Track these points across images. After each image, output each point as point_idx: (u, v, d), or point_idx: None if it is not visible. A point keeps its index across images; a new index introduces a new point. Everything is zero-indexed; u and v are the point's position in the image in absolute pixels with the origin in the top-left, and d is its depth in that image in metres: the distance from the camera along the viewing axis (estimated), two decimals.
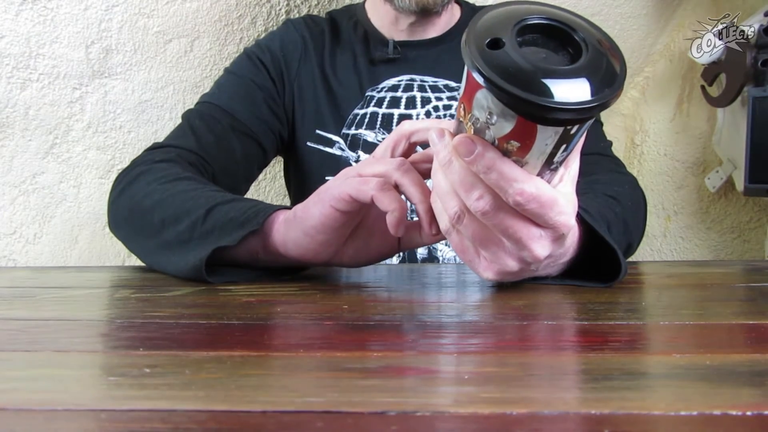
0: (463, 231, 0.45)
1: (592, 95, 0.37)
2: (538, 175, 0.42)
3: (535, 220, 0.43)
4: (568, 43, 0.40)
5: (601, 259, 0.51)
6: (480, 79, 0.37)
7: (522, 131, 0.39)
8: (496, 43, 0.38)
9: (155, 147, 0.76)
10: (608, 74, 0.38)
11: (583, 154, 0.47)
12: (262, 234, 0.55)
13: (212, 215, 0.57)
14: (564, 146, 0.40)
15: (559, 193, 0.43)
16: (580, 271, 0.52)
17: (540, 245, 0.44)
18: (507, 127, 0.39)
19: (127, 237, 0.67)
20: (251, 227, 0.54)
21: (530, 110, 0.37)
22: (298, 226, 0.53)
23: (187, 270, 0.56)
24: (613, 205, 0.64)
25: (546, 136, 0.39)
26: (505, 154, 0.40)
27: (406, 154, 0.54)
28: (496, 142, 0.40)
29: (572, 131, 0.39)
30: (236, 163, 0.81)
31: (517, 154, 0.40)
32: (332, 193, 0.51)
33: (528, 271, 0.48)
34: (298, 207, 0.55)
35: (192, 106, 0.84)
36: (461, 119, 0.42)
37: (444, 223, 0.46)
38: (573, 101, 0.36)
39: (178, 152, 0.74)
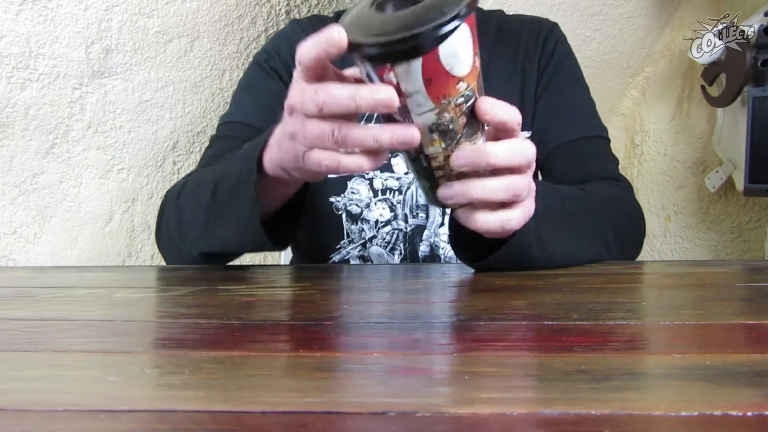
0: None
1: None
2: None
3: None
4: None
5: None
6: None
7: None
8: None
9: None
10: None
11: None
12: (264, 177, 0.57)
13: (218, 192, 0.62)
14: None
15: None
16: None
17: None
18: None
19: (189, 247, 0.71)
20: (251, 184, 0.56)
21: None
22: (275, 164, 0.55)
23: (248, 237, 0.61)
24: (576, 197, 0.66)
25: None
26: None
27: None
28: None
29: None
30: None
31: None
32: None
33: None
34: (272, 147, 0.55)
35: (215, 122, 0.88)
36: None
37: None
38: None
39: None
